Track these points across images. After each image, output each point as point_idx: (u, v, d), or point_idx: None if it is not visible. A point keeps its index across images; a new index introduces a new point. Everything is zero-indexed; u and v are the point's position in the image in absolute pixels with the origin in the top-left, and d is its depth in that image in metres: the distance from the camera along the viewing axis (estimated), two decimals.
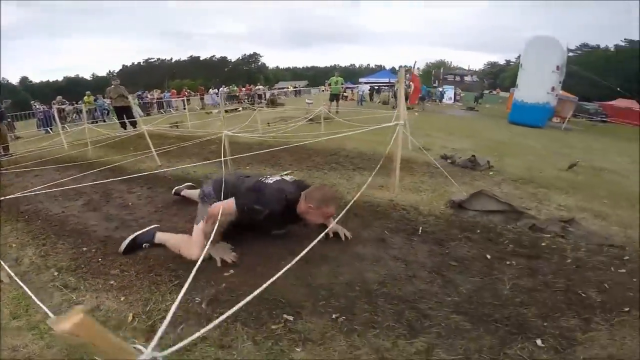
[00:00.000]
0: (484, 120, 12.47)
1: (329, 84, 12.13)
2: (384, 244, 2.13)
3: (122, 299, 1.63)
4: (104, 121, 12.51)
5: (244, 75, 58.33)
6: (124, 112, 8.73)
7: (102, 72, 65.21)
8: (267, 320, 1.46)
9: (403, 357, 1.29)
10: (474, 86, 35.63)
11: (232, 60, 71.02)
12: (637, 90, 28.36)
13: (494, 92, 29.41)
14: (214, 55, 71.76)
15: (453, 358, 1.29)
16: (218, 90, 20.25)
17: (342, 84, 12.60)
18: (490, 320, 1.49)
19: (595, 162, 5.48)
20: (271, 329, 1.41)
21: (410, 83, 11.60)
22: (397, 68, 11.68)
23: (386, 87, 23.30)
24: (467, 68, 49.84)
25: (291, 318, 1.48)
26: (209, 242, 1.63)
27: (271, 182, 1.95)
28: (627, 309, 1.59)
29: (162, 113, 15.16)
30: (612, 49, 41.61)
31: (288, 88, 29.55)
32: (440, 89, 26.37)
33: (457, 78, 39.99)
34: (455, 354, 1.31)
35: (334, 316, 1.49)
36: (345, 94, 21.01)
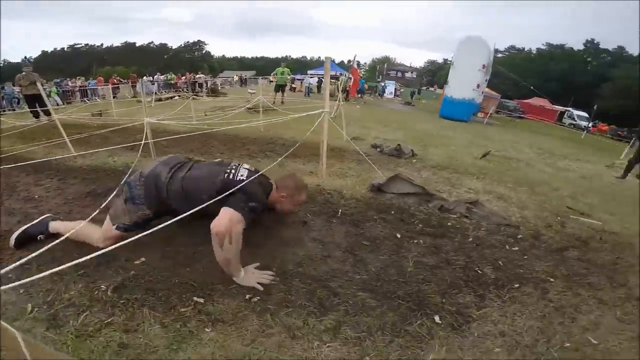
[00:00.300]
0: (418, 114, 13.34)
1: (275, 75, 11.96)
2: (305, 226, 2.20)
3: (22, 291, 1.51)
4: (13, 110, 11.00)
5: (186, 64, 55.15)
6: (36, 101, 7.80)
7: (16, 59, 57.03)
8: (176, 304, 1.44)
9: (313, 335, 1.34)
10: (413, 82, 37.84)
11: (174, 48, 67.05)
12: (550, 89, 32.56)
13: (432, 89, 31.50)
14: (152, 42, 66.98)
15: (358, 335, 1.35)
16: (153, 78, 18.85)
17: (288, 75, 12.50)
18: (393, 297, 1.58)
19: (507, 152, 6.21)
20: (180, 312, 1.40)
21: (350, 76, 11.91)
22: (345, 62, 11.95)
23: (333, 80, 23.68)
24: (409, 65, 52.77)
25: (202, 300, 1.47)
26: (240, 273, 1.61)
27: (243, 177, 1.71)
28: (517, 285, 1.76)
29: (85, 102, 13.69)
30: (534, 52, 47.04)
31: (233, 77, 28.52)
32: (383, 84, 27.57)
33: (399, 74, 42.19)
34: (360, 331, 1.37)
35: (247, 297, 1.51)
36: (293, 86, 20.97)
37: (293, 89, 20.03)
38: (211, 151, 4.19)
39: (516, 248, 2.18)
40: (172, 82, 19.08)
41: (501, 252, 2.11)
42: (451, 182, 3.46)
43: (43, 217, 1.97)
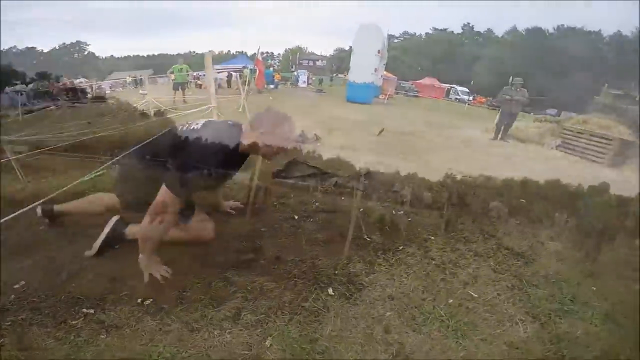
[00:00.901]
0: (327, 100, 13.91)
1: (172, 72, 11.09)
2: None
3: None
4: None
5: (64, 68, 47.53)
6: None
7: None
8: (66, 318, 1.35)
9: (212, 325, 1.35)
10: (323, 70, 39.10)
11: (45, 51, 57.06)
12: (438, 70, 36.89)
13: (341, 75, 32.87)
14: (14, 46, 55.69)
15: (258, 318, 1.38)
16: (16, 87, 15.72)
17: (187, 72, 11.69)
18: (290, 276, 1.62)
19: (401, 127, 6.91)
20: (71, 325, 1.33)
21: (255, 67, 11.75)
22: (256, 54, 11.62)
23: (241, 73, 22.87)
24: (319, 53, 54.17)
25: (92, 311, 1.40)
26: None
27: (197, 127, 1.59)
28: (401, 247, 1.88)
29: None
30: (424, 37, 52.59)
31: (126, 79, 25.43)
32: (296, 73, 27.87)
33: (311, 63, 43.15)
34: (260, 313, 1.40)
35: (139, 300, 1.46)
36: (199, 82, 19.68)
37: (199, 86, 18.86)
38: (95, 163, 3.73)
39: (401, 212, 2.37)
40: (44, 90, 16.18)
41: (388, 217, 2.25)
42: (349, 159, 3.71)
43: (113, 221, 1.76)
